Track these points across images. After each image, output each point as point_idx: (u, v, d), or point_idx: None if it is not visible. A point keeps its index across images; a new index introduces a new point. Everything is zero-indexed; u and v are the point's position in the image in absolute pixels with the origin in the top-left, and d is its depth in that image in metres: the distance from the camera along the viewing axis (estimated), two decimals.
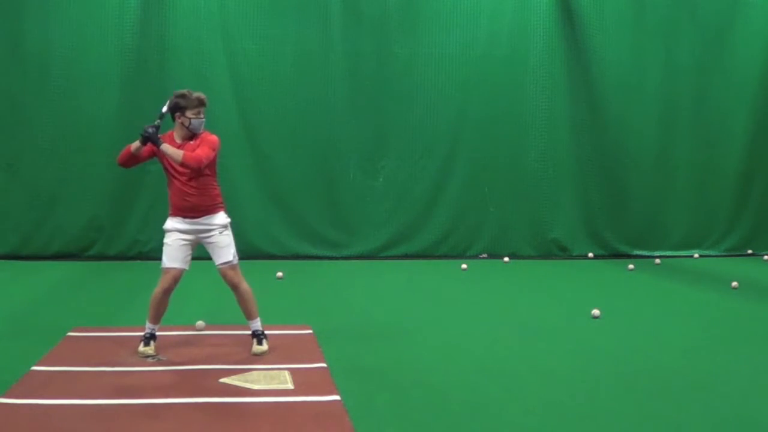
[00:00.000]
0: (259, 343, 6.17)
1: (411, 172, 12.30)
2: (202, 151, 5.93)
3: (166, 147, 5.90)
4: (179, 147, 5.99)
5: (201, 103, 6.03)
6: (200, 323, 6.93)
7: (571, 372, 5.90)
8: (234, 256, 6.13)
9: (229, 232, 6.15)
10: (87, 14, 11.32)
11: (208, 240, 6.08)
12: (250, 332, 6.26)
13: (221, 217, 6.12)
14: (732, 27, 12.88)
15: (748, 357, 6.49)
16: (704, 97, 12.91)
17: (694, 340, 7.15)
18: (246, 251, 11.52)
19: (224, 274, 6.12)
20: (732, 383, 5.67)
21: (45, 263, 11.02)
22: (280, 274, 10.08)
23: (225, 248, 6.08)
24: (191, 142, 6.03)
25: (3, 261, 11.06)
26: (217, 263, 6.12)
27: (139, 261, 11.31)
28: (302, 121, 11.96)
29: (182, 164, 5.88)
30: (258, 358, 6.04)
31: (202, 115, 6.05)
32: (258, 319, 6.23)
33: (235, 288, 6.14)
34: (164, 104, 6.11)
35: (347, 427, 4.54)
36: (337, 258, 12.01)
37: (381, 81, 12.13)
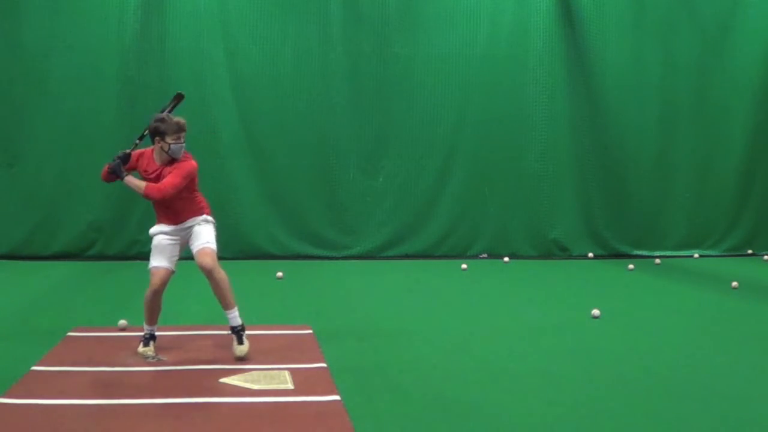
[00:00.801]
0: (240, 341, 5.95)
1: (411, 172, 12.30)
2: (168, 181, 5.87)
3: (128, 180, 5.90)
4: (157, 170, 5.96)
5: (180, 128, 5.94)
6: (122, 322, 6.94)
7: (571, 372, 5.90)
8: (209, 242, 5.99)
9: (209, 225, 6.12)
10: (87, 14, 11.34)
11: (191, 233, 6.05)
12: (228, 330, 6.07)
13: (203, 216, 6.14)
14: (732, 27, 12.88)
15: (748, 357, 6.49)
16: (704, 96, 12.91)
17: (694, 340, 7.15)
18: (246, 251, 11.62)
19: (200, 258, 5.93)
20: (732, 383, 5.67)
21: (45, 263, 11.02)
22: (280, 274, 10.08)
23: (201, 234, 6.01)
24: (169, 167, 5.98)
25: (3, 261, 11.07)
26: (193, 248, 6.00)
27: (139, 261, 11.27)
28: (302, 121, 11.97)
29: (145, 196, 5.89)
30: (258, 357, 5.99)
31: (181, 140, 5.96)
32: (235, 309, 6.00)
33: (209, 273, 5.91)
34: (145, 129, 6.07)
35: (347, 427, 4.54)
36: (337, 258, 12.02)
37: (381, 81, 12.13)
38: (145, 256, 11.75)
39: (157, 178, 5.97)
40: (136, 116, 11.43)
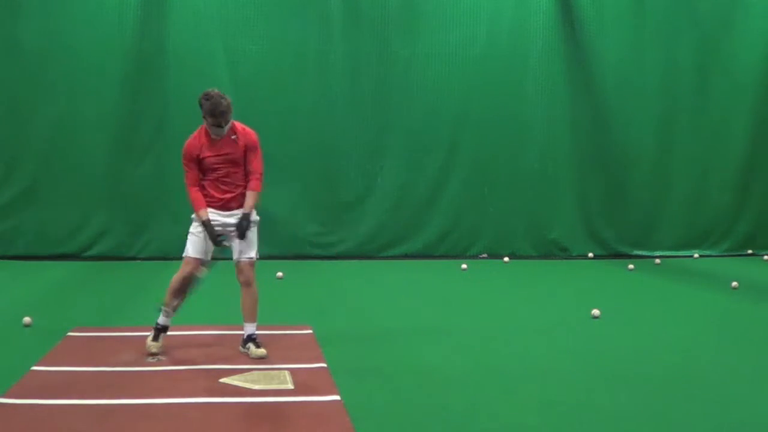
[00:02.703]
0: (257, 346, 6.11)
1: (411, 172, 12.30)
2: (257, 167, 6.08)
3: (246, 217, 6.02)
4: (222, 152, 6.02)
5: (212, 114, 5.95)
6: (27, 319, 7.04)
7: (571, 372, 5.91)
8: (256, 254, 6.17)
9: (255, 229, 6.18)
10: (86, 14, 11.33)
11: (236, 231, 6.07)
12: (245, 335, 6.16)
13: (253, 214, 6.15)
14: (732, 27, 12.88)
15: (748, 357, 6.49)
16: (704, 96, 12.91)
17: (694, 340, 7.15)
18: None
19: (243, 268, 6.09)
20: (732, 383, 5.67)
21: (45, 263, 11.02)
22: (280, 274, 10.08)
23: (251, 244, 6.11)
24: (228, 139, 6.05)
25: (3, 261, 11.06)
26: (238, 256, 6.09)
27: (139, 261, 11.31)
28: (302, 121, 11.97)
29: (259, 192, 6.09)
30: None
31: (218, 125, 5.99)
32: (256, 324, 6.20)
33: (247, 285, 6.11)
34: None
35: (347, 427, 4.54)
36: (337, 258, 12.01)
37: (381, 81, 12.13)
38: (145, 257, 11.82)
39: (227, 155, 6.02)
40: (135, 116, 11.45)
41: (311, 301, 8.76)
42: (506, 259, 12.24)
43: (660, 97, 12.79)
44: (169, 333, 6.60)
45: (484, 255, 12.44)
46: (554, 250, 12.65)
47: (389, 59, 12.13)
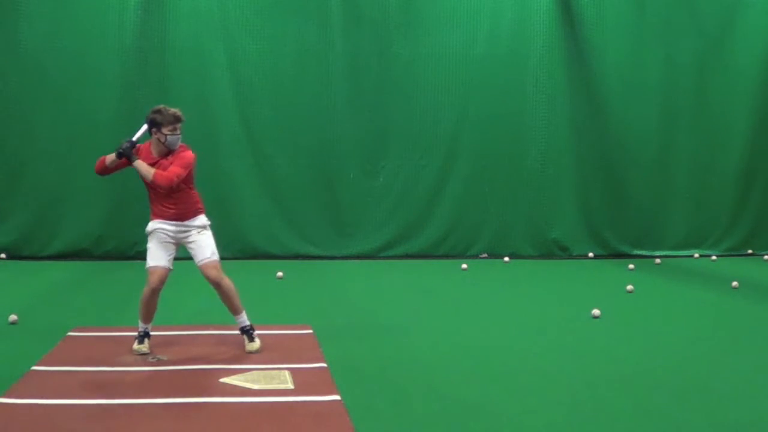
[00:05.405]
0: (251, 339, 6.22)
1: (411, 172, 12.30)
2: (173, 170, 5.98)
3: (138, 164, 5.99)
4: (154, 162, 6.05)
5: (177, 119, 6.04)
6: (13, 317, 7.12)
7: (571, 372, 5.90)
8: (213, 254, 6.17)
9: (207, 232, 6.21)
10: (87, 14, 11.33)
11: (188, 240, 6.14)
12: (238, 330, 6.28)
13: (200, 219, 6.20)
14: (732, 27, 12.88)
15: (748, 357, 6.49)
16: (704, 96, 12.91)
17: (694, 340, 7.15)
18: (246, 251, 11.62)
19: (205, 271, 6.16)
20: (732, 383, 5.67)
21: (45, 263, 11.02)
22: (280, 274, 10.08)
23: (204, 247, 6.14)
24: (166, 159, 6.07)
25: (3, 261, 11.07)
26: (197, 261, 6.18)
27: (139, 261, 11.26)
28: (302, 121, 11.97)
29: (152, 183, 5.95)
30: (258, 357, 6.04)
31: (178, 132, 6.06)
32: (244, 313, 6.26)
33: (217, 285, 6.18)
34: (144, 123, 6.14)
35: (347, 427, 4.55)
36: (337, 258, 12.01)
37: (381, 81, 12.13)
38: (145, 257, 11.79)
39: None
40: (136, 116, 11.41)
41: (311, 301, 8.76)
42: (506, 259, 12.24)
43: (660, 96, 12.78)
44: (169, 333, 6.62)
45: (485, 255, 12.44)
46: (554, 250, 12.65)
47: (389, 59, 12.13)
